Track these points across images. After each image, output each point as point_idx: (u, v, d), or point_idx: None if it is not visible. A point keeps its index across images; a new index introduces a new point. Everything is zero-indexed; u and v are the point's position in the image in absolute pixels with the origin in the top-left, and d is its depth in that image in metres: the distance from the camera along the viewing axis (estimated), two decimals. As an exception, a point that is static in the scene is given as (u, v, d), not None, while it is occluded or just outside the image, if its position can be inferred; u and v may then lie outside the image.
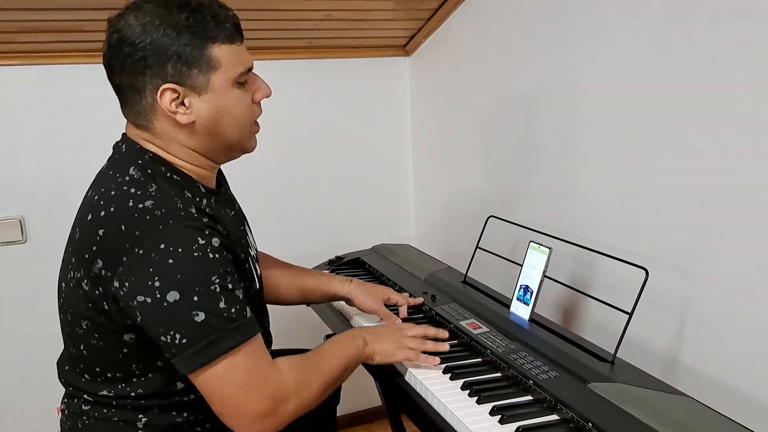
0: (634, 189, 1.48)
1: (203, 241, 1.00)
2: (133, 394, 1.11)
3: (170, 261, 0.98)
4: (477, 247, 1.71)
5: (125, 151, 1.12)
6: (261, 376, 1.04)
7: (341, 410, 2.46)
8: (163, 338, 1.00)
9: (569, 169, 1.67)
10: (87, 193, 1.14)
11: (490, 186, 2.00)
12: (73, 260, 1.09)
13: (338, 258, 1.96)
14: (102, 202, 1.05)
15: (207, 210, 1.09)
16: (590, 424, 1.00)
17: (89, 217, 1.07)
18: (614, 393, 1.09)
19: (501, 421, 1.05)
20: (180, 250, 0.98)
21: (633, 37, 1.44)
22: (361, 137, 2.39)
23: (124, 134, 1.15)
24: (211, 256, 1.00)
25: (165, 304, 0.98)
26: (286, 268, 1.54)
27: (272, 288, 1.47)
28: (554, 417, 1.07)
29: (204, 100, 1.07)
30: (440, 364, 1.25)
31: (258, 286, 1.25)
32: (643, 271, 1.25)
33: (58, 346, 1.25)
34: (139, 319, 1.01)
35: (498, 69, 1.91)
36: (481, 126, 2.02)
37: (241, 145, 1.16)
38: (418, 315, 1.52)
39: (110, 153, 1.17)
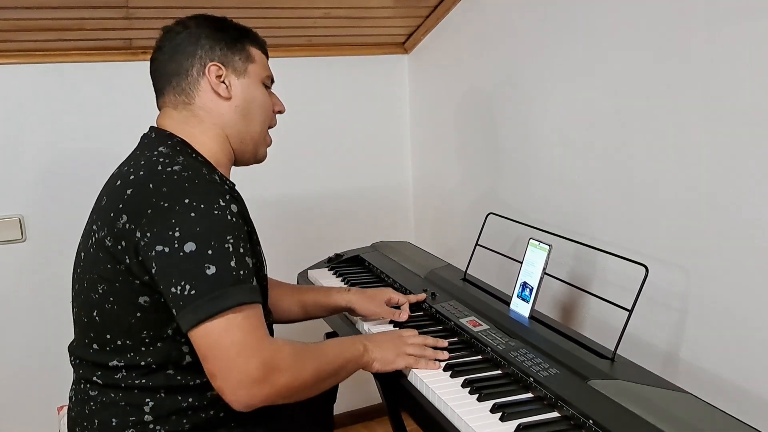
0: (633, 186, 1.48)
1: (224, 203, 1.08)
2: (142, 363, 1.12)
3: (192, 214, 1.05)
4: (477, 244, 1.71)
5: (154, 137, 1.22)
6: (258, 341, 1.06)
7: (341, 408, 2.46)
8: (173, 289, 1.03)
9: (569, 166, 1.67)
10: (114, 171, 1.22)
11: (490, 183, 2.00)
12: (99, 223, 1.14)
13: (337, 255, 1.96)
14: (131, 170, 1.14)
15: (228, 184, 1.19)
16: (591, 421, 1.00)
17: (118, 182, 1.14)
18: (614, 390, 1.09)
19: (502, 419, 1.06)
20: (202, 206, 1.06)
21: (632, 33, 1.44)
22: (361, 134, 2.39)
23: (151, 127, 1.25)
24: (229, 218, 1.08)
25: (181, 254, 1.03)
26: (284, 286, 1.55)
27: (273, 306, 1.48)
28: (555, 414, 1.08)
29: (241, 83, 1.24)
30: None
31: (266, 272, 1.28)
32: (643, 268, 1.25)
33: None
34: (154, 269, 1.05)
35: (496, 66, 1.91)
36: (480, 123, 2.02)
37: (255, 147, 1.29)
38: (418, 312, 1.52)
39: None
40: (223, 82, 1.22)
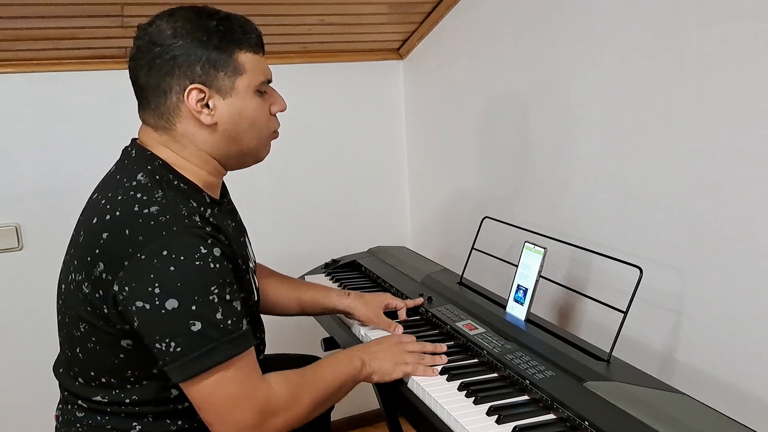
0: (627, 188, 1.48)
1: (205, 251, 1.01)
2: (127, 400, 1.11)
3: (171, 268, 0.99)
4: (472, 248, 1.71)
5: (135, 157, 1.13)
6: (251, 390, 1.05)
7: (339, 414, 2.46)
8: (158, 345, 1.01)
9: (563, 169, 1.67)
10: (92, 195, 1.15)
11: (485, 187, 2.01)
12: (75, 262, 1.10)
13: (334, 261, 1.96)
14: (108, 206, 1.07)
15: (211, 219, 1.10)
16: (587, 422, 1.01)
17: (94, 220, 1.08)
18: (610, 391, 1.09)
19: (498, 421, 1.06)
20: (182, 258, 1.00)
21: (625, 36, 1.44)
22: (356, 140, 2.40)
23: (133, 140, 1.17)
24: (212, 266, 1.01)
25: (163, 311, 0.99)
26: (283, 280, 1.55)
27: (270, 299, 1.48)
28: (551, 416, 1.08)
29: (227, 103, 1.10)
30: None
31: (256, 298, 1.26)
32: (638, 270, 1.26)
33: (54, 353, 1.25)
34: (136, 323, 1.02)
35: (491, 71, 1.92)
36: (475, 128, 2.03)
37: (255, 153, 1.20)
38: (414, 317, 1.52)
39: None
40: (207, 104, 1.09)
